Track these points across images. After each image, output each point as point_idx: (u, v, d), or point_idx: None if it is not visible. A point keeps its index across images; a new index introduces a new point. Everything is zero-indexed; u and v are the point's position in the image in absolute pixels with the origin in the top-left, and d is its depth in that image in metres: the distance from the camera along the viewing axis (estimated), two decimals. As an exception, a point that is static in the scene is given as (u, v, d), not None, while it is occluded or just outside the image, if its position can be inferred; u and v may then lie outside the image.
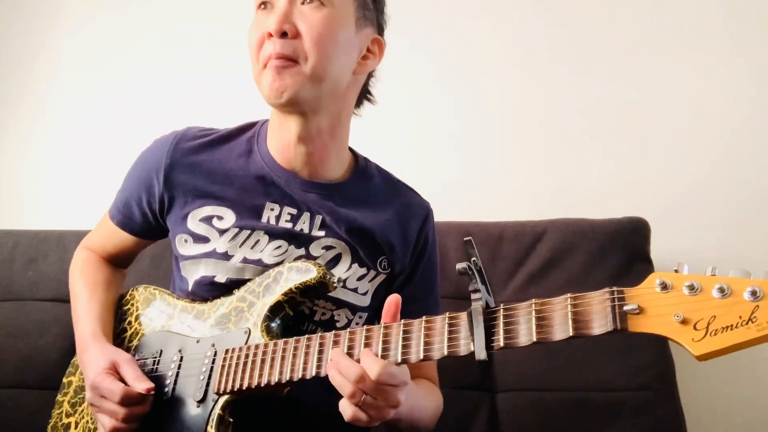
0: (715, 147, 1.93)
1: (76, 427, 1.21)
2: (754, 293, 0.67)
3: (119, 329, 1.27)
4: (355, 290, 1.20)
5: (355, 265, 1.20)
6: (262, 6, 1.13)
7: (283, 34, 1.08)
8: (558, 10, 2.08)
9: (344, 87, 1.18)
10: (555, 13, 2.08)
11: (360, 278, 1.20)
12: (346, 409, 0.91)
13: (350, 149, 1.30)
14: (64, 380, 1.31)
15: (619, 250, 1.69)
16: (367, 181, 1.28)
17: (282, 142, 1.20)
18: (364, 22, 1.18)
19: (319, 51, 1.09)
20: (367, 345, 0.93)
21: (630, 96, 2.00)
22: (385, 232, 1.23)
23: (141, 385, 1.04)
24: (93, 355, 1.14)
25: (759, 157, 1.90)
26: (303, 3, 1.10)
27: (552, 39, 2.07)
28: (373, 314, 1.23)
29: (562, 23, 2.07)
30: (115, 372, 1.08)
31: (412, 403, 1.02)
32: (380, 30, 1.24)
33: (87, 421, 1.19)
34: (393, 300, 0.96)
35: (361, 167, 1.30)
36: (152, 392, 1.05)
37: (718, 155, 1.92)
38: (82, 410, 1.22)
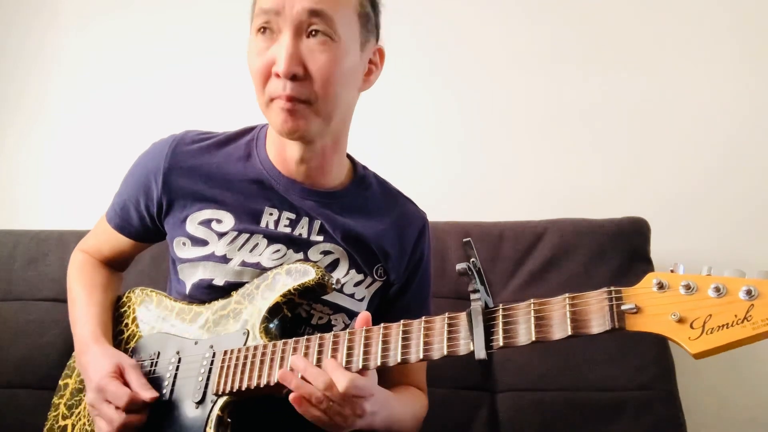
0: (715, 147, 1.93)
1: (72, 430, 1.20)
2: (749, 292, 0.68)
3: (116, 331, 1.26)
4: (352, 296, 1.20)
5: (353, 271, 1.20)
6: (262, 30, 1.07)
7: (293, 77, 1.05)
8: (559, 10, 2.08)
9: (350, 108, 1.19)
10: (556, 13, 2.08)
11: (357, 284, 1.20)
12: (310, 410, 0.94)
13: (349, 156, 1.30)
14: (60, 382, 1.31)
15: (619, 250, 1.69)
16: (365, 190, 1.28)
17: (283, 157, 1.19)
18: (368, 38, 1.15)
19: (330, 92, 1.07)
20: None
21: (630, 96, 2.00)
22: (380, 241, 1.23)
23: (146, 393, 1.04)
24: (95, 356, 1.13)
25: (758, 156, 1.90)
26: (308, 36, 1.06)
27: (553, 39, 2.07)
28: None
29: (563, 23, 2.07)
30: (121, 376, 1.08)
31: (389, 413, 1.04)
32: (378, 32, 1.21)
33: (84, 424, 1.18)
34: (363, 318, 0.98)
35: (360, 175, 1.29)
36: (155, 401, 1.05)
37: (718, 155, 1.92)
38: (79, 413, 1.21)
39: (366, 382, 0.93)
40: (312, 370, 0.93)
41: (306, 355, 0.97)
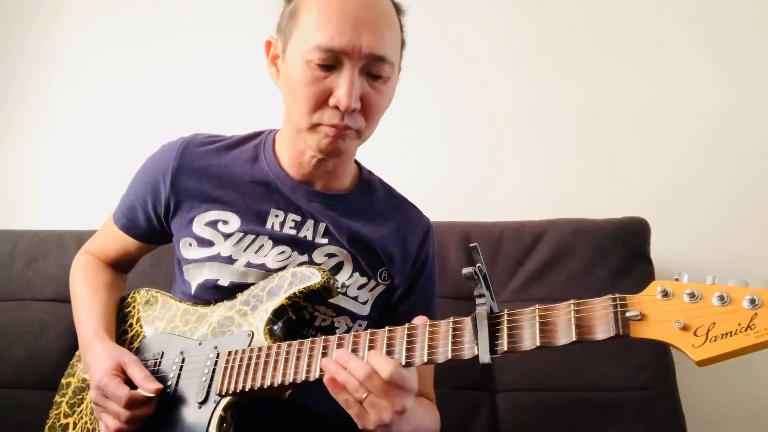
0: (716, 146, 1.94)
1: (74, 428, 1.21)
2: (752, 301, 0.68)
3: (120, 331, 1.27)
4: (355, 299, 1.20)
5: (357, 274, 1.21)
6: (324, 66, 1.06)
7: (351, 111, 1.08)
8: (561, 11, 2.08)
9: None
10: (557, 15, 2.08)
11: (361, 287, 1.21)
12: (341, 394, 0.91)
13: (355, 161, 1.31)
14: (63, 381, 1.32)
15: (619, 250, 1.69)
16: (370, 194, 1.29)
17: (299, 161, 1.21)
18: (401, 63, 1.19)
19: (376, 121, 1.14)
20: (371, 348, 0.93)
21: (630, 96, 2.01)
22: (384, 244, 1.24)
23: (150, 385, 1.05)
24: (97, 354, 1.14)
25: (758, 156, 1.91)
26: (368, 76, 1.08)
27: (556, 40, 2.07)
28: (373, 323, 1.23)
29: (564, 24, 2.07)
30: (122, 373, 1.09)
31: (416, 423, 1.01)
32: None
33: (86, 422, 1.19)
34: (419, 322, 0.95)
35: (365, 179, 1.31)
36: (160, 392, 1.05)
37: (718, 155, 1.93)
38: (81, 411, 1.22)
39: (411, 375, 0.90)
40: (354, 361, 0.91)
41: (310, 357, 0.97)
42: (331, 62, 1.06)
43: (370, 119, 1.12)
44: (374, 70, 1.08)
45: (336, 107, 1.06)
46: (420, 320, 0.93)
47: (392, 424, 0.90)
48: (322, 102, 1.08)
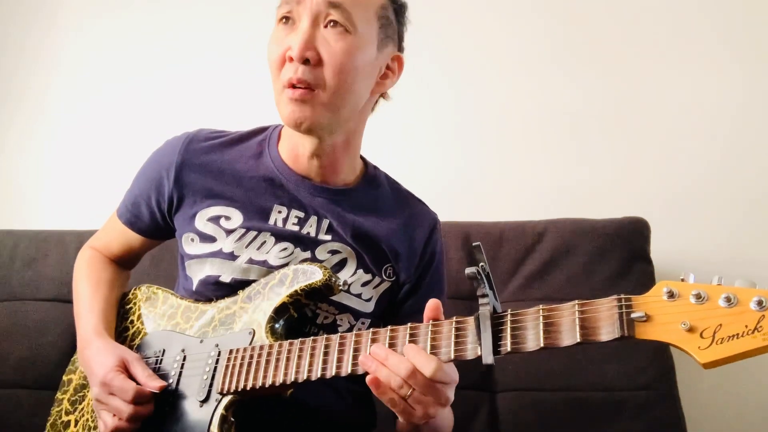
0: (715, 146, 1.94)
1: (75, 425, 1.20)
2: (760, 303, 0.67)
3: (121, 328, 1.26)
4: (359, 296, 1.20)
5: (360, 271, 1.20)
6: (284, 20, 1.11)
7: (305, 61, 1.07)
8: (559, 10, 2.08)
9: (361, 107, 1.19)
10: (556, 13, 2.08)
11: (364, 284, 1.21)
12: (387, 394, 0.90)
13: (361, 157, 1.31)
14: (64, 378, 1.31)
15: (619, 250, 1.69)
16: (376, 189, 1.29)
17: (296, 153, 1.21)
18: (386, 41, 1.17)
19: (339, 81, 1.09)
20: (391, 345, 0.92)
21: (631, 95, 2.00)
22: (390, 240, 1.23)
23: (154, 383, 1.05)
24: (97, 351, 1.13)
25: (759, 156, 1.91)
26: (326, 26, 1.09)
27: (553, 39, 2.07)
28: (376, 321, 1.22)
29: (562, 23, 2.07)
30: (125, 370, 1.08)
31: (442, 414, 1.00)
32: (400, 42, 1.23)
33: (87, 419, 1.19)
34: (432, 305, 0.94)
35: (371, 175, 1.30)
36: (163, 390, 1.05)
37: (718, 155, 1.93)
38: (82, 408, 1.21)
39: (450, 368, 0.90)
40: (393, 358, 0.89)
41: (312, 356, 0.97)
42: (289, 14, 1.10)
43: (332, 75, 1.08)
44: (329, 18, 1.08)
45: (292, 59, 1.07)
46: (433, 303, 0.93)
47: (434, 414, 0.91)
48: (283, 60, 1.09)
